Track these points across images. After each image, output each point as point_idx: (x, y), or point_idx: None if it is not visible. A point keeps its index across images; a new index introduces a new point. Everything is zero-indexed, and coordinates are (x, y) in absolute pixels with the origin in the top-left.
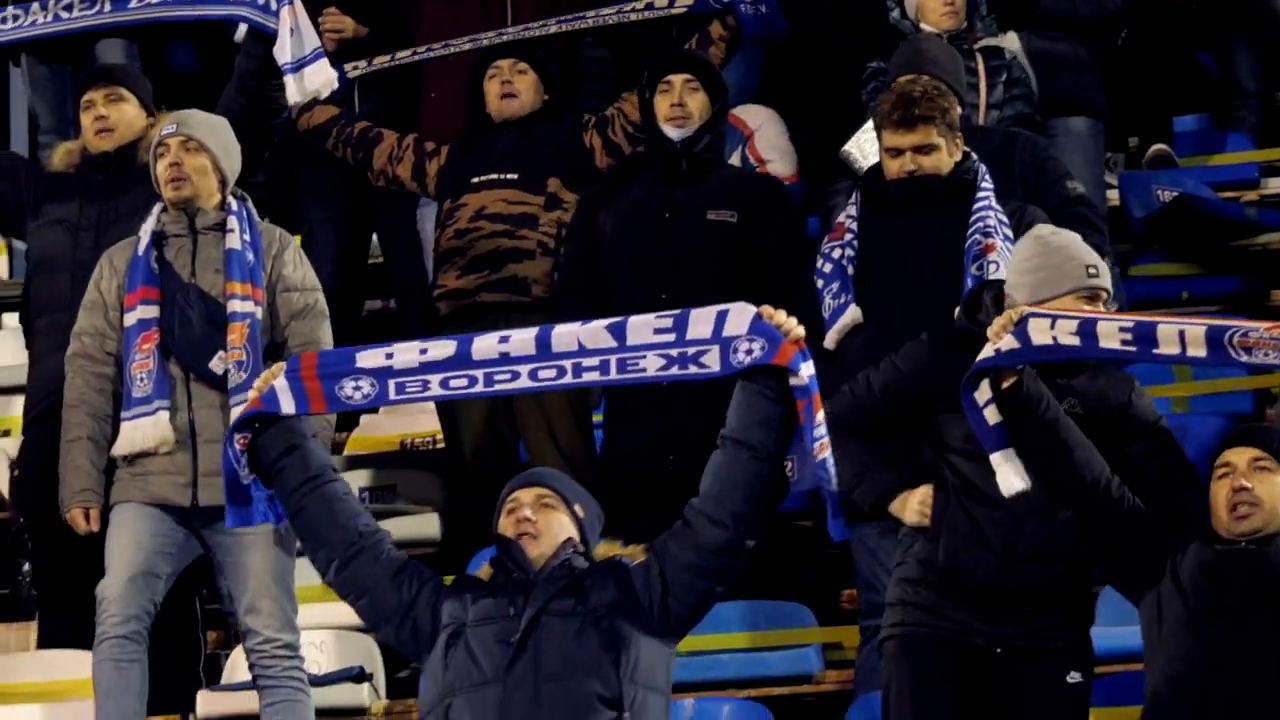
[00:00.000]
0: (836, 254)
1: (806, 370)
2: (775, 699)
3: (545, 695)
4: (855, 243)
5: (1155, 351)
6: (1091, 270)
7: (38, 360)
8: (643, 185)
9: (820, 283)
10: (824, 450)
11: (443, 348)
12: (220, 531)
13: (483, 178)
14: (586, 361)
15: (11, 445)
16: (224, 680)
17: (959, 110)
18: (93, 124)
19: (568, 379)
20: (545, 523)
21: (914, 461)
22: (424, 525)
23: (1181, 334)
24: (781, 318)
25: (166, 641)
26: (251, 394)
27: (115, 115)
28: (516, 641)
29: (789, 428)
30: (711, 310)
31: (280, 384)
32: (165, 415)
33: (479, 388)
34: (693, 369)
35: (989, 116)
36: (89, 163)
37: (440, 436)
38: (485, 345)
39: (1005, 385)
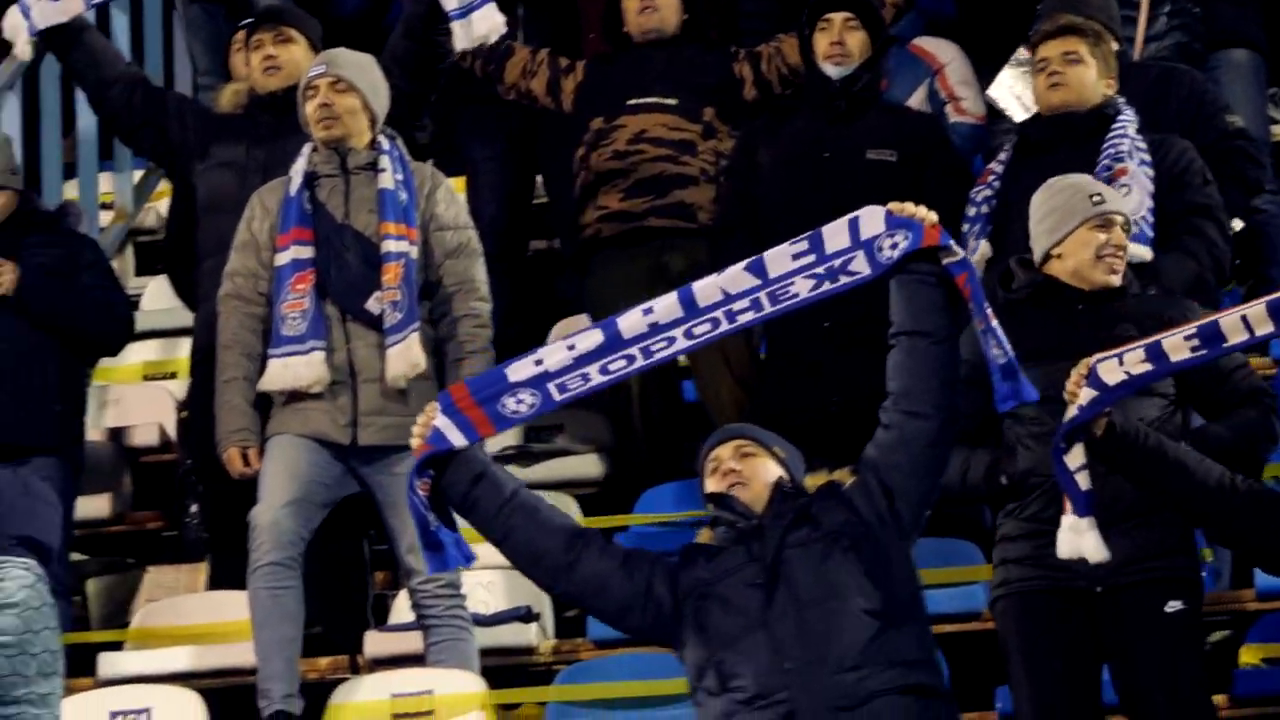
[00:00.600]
0: (980, 197)
1: (956, 245)
2: (944, 636)
3: (811, 622)
4: (996, 183)
5: (1226, 345)
6: (1096, 198)
7: (204, 302)
8: (802, 123)
9: (965, 227)
10: (993, 318)
11: (590, 337)
12: (380, 471)
13: (640, 100)
14: (737, 305)
15: (179, 387)
16: (391, 621)
17: (1113, 45)
18: (261, 64)
19: (724, 327)
20: (751, 470)
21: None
22: (588, 465)
23: (1244, 319)
24: (912, 208)
25: (335, 582)
26: (415, 441)
27: (284, 55)
28: (766, 581)
29: (954, 308)
30: (842, 222)
31: (441, 421)
32: (320, 355)
33: (640, 363)
34: (844, 279)
35: (1147, 49)
36: (256, 104)
37: None
38: (631, 322)
39: (1100, 433)
